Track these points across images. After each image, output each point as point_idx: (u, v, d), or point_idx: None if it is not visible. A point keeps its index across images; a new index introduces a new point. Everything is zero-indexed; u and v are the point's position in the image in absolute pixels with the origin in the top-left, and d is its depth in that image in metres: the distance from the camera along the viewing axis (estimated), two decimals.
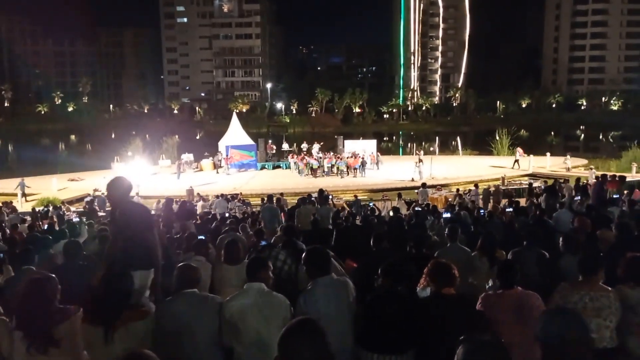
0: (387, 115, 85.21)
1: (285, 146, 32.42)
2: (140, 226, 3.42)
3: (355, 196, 17.65)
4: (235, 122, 31.54)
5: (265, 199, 11.69)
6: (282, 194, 16.66)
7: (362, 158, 26.81)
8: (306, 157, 27.66)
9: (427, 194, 17.00)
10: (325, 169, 26.50)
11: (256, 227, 8.52)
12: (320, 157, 27.42)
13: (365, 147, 29.94)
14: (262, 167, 29.63)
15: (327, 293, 3.03)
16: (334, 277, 3.19)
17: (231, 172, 27.94)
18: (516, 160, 27.50)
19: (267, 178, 26.71)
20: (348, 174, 25.95)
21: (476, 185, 17.74)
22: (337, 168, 26.21)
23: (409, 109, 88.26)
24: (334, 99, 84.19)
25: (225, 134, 31.63)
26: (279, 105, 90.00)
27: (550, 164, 27.53)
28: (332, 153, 28.60)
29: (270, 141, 31.83)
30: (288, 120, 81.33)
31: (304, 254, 3.23)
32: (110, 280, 2.80)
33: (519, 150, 28.44)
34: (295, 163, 28.53)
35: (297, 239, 5.67)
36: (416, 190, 17.94)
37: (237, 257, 4.32)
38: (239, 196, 18.21)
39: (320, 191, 13.12)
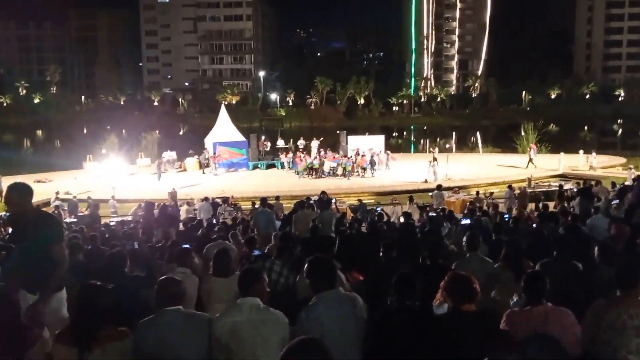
0: (397, 108, 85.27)
1: (280, 143, 32.55)
2: (46, 239, 3.38)
3: (360, 200, 17.68)
4: (223, 115, 31.52)
5: (258, 203, 11.68)
6: (277, 198, 16.73)
7: (372, 155, 26.93)
8: (303, 155, 27.70)
9: (442, 197, 16.99)
10: (327, 170, 26.42)
11: (248, 234, 8.55)
12: (321, 155, 27.39)
13: (372, 143, 29.97)
14: (255, 167, 29.66)
15: (332, 309, 3.02)
16: (341, 291, 3.19)
17: (219, 173, 28.04)
18: (530, 160, 27.37)
19: (261, 179, 26.79)
20: (352, 173, 26.01)
21: (510, 187, 17.54)
22: (343, 168, 26.27)
23: (422, 100, 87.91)
24: (336, 89, 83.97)
25: (212, 129, 31.66)
26: (274, 97, 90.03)
27: (582, 163, 27.51)
28: (332, 152, 28.49)
29: (263, 137, 31.77)
30: (283, 114, 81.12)
31: (306, 264, 3.24)
32: (85, 296, 2.78)
33: (533, 147, 28.40)
34: (289, 162, 28.86)
35: (295, 247, 5.70)
36: (430, 193, 17.98)
37: (228, 269, 4.35)
38: (229, 200, 18.22)
39: (322, 194, 13.49)
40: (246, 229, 9.87)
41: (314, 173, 26.71)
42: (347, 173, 26.20)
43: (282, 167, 29.51)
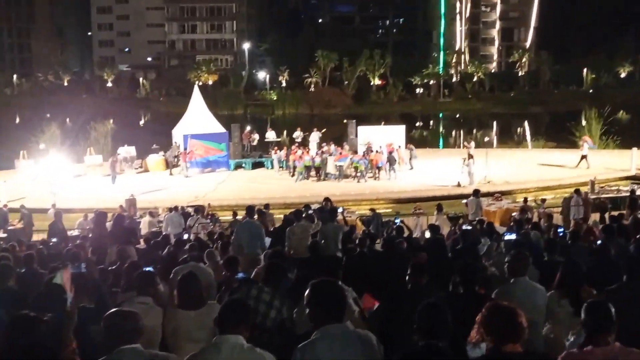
0: (421, 90, 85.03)
1: (270, 135, 32.65)
2: None
3: (374, 210, 17.72)
4: (197, 100, 31.64)
5: (242, 213, 11.68)
6: (267, 206, 16.71)
7: (390, 151, 27.21)
8: (301, 151, 27.80)
9: (480, 205, 17.16)
10: (332, 171, 26.69)
11: (229, 253, 8.58)
12: (324, 151, 27.64)
13: (390, 136, 30.03)
14: (238, 166, 30.06)
15: (336, 349, 3.03)
16: (350, 327, 3.20)
17: (191, 174, 28.37)
18: (583, 157, 27.53)
19: (245, 182, 27.04)
20: (366, 174, 26.32)
21: (577, 192, 17.41)
22: (355, 168, 26.55)
23: (453, 80, 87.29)
24: (342, 66, 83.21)
25: (182, 117, 31.67)
26: (262, 76, 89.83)
27: None
28: (337, 147, 28.54)
29: (249, 128, 32.58)
30: (275, 98, 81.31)
31: (309, 289, 3.26)
32: (17, 329, 2.80)
33: (587, 140, 28.51)
34: (281, 160, 29.12)
35: (289, 271, 5.75)
36: (464, 200, 18.13)
37: (197, 298, 4.39)
38: (204, 209, 18.36)
39: (325, 202, 13.44)
40: (226, 246, 9.78)
41: (314, 174, 27.01)
42: (360, 174, 26.40)
43: (273, 166, 29.59)
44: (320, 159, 27.15)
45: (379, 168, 26.85)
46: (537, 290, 4.95)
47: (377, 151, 27.57)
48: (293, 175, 27.41)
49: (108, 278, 6.74)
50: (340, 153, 27.76)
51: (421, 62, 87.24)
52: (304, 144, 30.91)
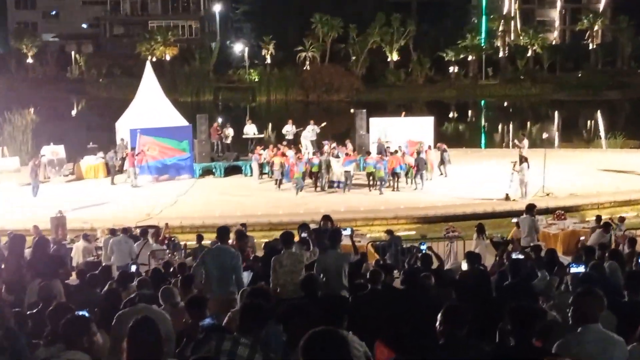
0: (455, 68, 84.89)
1: (250, 130, 32.94)
2: None
3: (391, 232, 17.85)
4: (150, 82, 31.87)
5: (211, 236, 12.13)
6: (244, 226, 16.72)
7: (419, 152, 27.32)
8: (294, 153, 27.82)
9: (536, 226, 17.14)
10: (337, 179, 26.91)
11: (192, 292, 8.67)
12: (324, 151, 27.84)
13: (414, 130, 30.30)
14: (205, 172, 30.31)
15: None
16: None
17: (142, 183, 28.59)
18: None
19: (215, 194, 27.24)
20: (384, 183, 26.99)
21: None
22: (370, 174, 26.87)
23: (500, 55, 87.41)
24: (348, 37, 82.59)
25: (130, 105, 31.86)
26: (238, 49, 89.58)
27: None
28: (341, 146, 28.78)
29: (220, 120, 33.48)
30: (256, 79, 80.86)
31: (301, 343, 3.30)
32: None
33: None
34: (264, 164, 29.17)
35: (274, 316, 5.71)
36: (515, 219, 18.13)
37: (156, 355, 4.39)
38: (159, 231, 18.43)
39: (324, 221, 13.46)
40: (189, 282, 9.65)
41: (314, 179, 27.37)
42: (379, 184, 26.67)
43: (253, 172, 29.55)
44: (318, 161, 27.09)
45: (396, 175, 26.82)
46: (614, 342, 4.90)
47: (395, 151, 27.47)
48: (279, 185, 27.43)
49: (26, 325, 6.65)
50: (347, 154, 27.70)
51: (456, 31, 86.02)
52: (296, 142, 30.99)
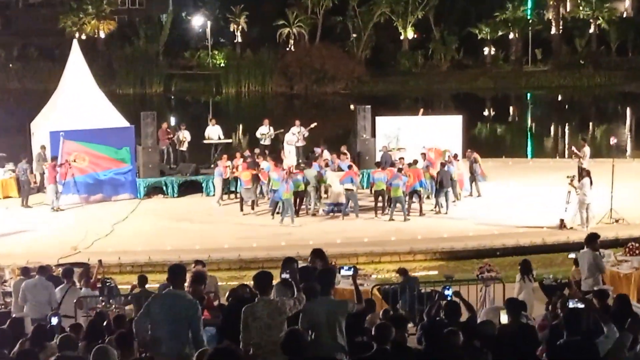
0: (491, 50, 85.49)
1: (213, 132, 32.98)
2: None
3: (404, 270, 17.97)
4: (77, 68, 32.24)
5: (160, 278, 11.70)
6: (201, 264, 16.59)
7: (445, 164, 27.44)
8: (265, 165, 27.94)
9: (600, 263, 17.09)
10: (338, 202, 27.22)
11: (134, 354, 9.19)
12: (318, 162, 28.17)
13: (436, 134, 30.59)
14: (153, 190, 30.80)
15: None
16: None
17: (66, 205, 28.70)
18: None
19: (165, 220, 27.38)
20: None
21: None
22: (381, 195, 27.00)
23: (552, 31, 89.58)
24: (347, 7, 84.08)
25: (50, 99, 32.34)
26: (198, 23, 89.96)
27: None
28: (340, 155, 29.28)
29: (173, 120, 35.18)
30: (222, 64, 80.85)
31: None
32: None
33: None
34: (230, 180, 29.31)
35: None
36: (572, 255, 18.33)
37: None
38: (89, 270, 18.27)
39: (314, 257, 13.82)
40: (129, 340, 9.94)
41: (298, 200, 27.11)
42: (394, 206, 26.75)
43: (216, 191, 29.89)
44: (303, 178, 27.05)
45: (415, 194, 26.90)
46: None
47: (414, 161, 27.81)
48: (252, 207, 27.84)
49: None
50: (349, 166, 27.87)
51: (490, 3, 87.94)
52: (276, 149, 30.96)
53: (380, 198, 27.09)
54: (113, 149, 29.89)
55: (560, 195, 26.00)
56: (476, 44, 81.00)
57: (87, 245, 23.62)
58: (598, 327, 9.69)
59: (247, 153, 30.64)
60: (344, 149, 30.44)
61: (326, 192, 28.69)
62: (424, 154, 29.28)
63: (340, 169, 28.40)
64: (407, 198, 27.14)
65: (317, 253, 13.84)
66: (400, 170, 27.30)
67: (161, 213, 28.59)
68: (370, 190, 29.20)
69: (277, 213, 27.03)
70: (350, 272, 12.86)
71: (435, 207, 27.24)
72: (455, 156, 29.39)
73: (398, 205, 26.63)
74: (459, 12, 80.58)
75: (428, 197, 27.83)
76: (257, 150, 30.55)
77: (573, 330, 8.76)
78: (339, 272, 15.13)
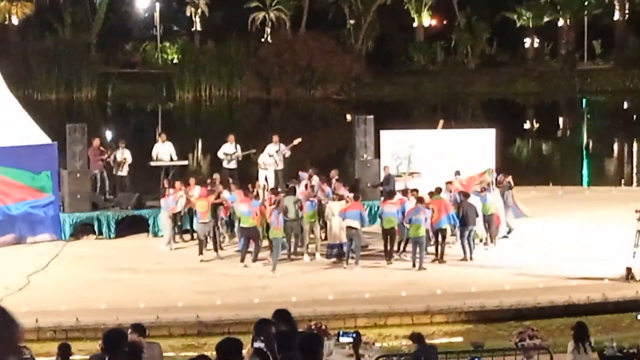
0: (534, 42, 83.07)
1: (162, 151, 31.08)
2: None
3: (419, 336, 16.91)
4: None
5: (82, 347, 15.55)
6: (139, 332, 15.56)
7: (467, 195, 25.98)
8: (225, 195, 26.62)
9: None
10: (338, 241, 25.79)
11: None
12: (309, 190, 26.91)
13: (464, 152, 29.13)
14: (82, 228, 29.26)
15: None
16: None
17: None
18: None
19: (99, 269, 25.80)
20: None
21: None
22: (390, 235, 25.22)
23: (615, 18, 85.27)
24: None
25: None
26: (143, 6, 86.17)
27: None
28: (333, 181, 27.57)
29: (109, 134, 33.47)
30: (175, 59, 78.10)
31: None
32: None
33: None
34: (184, 214, 27.75)
35: None
36: None
37: None
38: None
39: (279, 319, 12.80)
40: None
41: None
42: (416, 249, 24.79)
43: (164, 229, 28.18)
44: (312, 204, 26.21)
45: (440, 233, 25.18)
46: None
47: (438, 190, 26.27)
48: (216, 250, 26.75)
49: None
50: (347, 200, 25.86)
51: None
52: (241, 174, 28.82)
53: (389, 237, 25.62)
54: (29, 174, 29.18)
55: (627, 236, 25.18)
56: (514, 33, 78.44)
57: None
58: None
59: (213, 179, 29.69)
60: (334, 174, 28.62)
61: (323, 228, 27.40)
62: (450, 183, 27.69)
63: (341, 198, 27.02)
64: (432, 239, 25.84)
65: (280, 314, 13.14)
66: (420, 201, 25.97)
67: (93, 260, 27.51)
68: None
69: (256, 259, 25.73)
70: (351, 340, 13.87)
71: (468, 249, 26.04)
72: (493, 182, 28.67)
73: (417, 249, 24.81)
74: None
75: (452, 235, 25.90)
76: (215, 176, 29.51)
77: None
78: (337, 339, 15.60)
